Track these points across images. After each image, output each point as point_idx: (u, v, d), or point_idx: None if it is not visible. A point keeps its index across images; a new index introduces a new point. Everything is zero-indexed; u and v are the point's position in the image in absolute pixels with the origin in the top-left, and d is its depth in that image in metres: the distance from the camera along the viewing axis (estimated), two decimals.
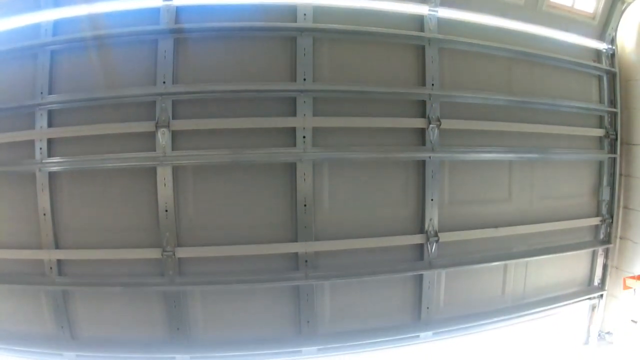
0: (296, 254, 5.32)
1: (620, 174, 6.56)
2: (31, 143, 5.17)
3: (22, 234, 5.30)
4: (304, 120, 5.14)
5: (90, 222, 5.24)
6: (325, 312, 5.55)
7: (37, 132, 5.13)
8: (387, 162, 5.44)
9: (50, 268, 5.30)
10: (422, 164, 5.47)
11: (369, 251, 5.45)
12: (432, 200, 5.48)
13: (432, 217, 5.51)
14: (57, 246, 5.24)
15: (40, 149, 5.14)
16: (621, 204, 6.60)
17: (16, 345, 5.51)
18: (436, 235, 5.50)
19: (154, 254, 5.17)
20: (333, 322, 5.56)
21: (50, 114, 5.15)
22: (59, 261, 5.31)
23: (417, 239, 5.54)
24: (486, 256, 5.82)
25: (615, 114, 6.37)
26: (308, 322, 5.47)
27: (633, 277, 6.11)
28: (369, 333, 5.57)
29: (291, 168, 5.21)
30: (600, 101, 6.40)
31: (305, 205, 5.21)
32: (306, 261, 5.32)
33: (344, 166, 5.32)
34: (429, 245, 5.54)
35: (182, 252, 5.19)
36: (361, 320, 5.59)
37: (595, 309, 6.68)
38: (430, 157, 5.42)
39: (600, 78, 6.38)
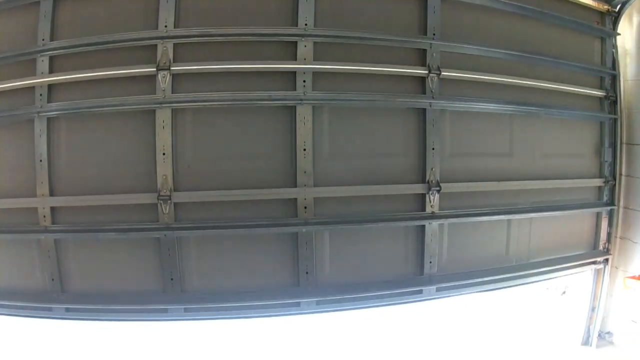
0: (295, 200, 5.20)
1: (621, 174, 6.55)
2: (31, 90, 5.13)
3: (17, 182, 5.19)
4: (305, 64, 5.12)
5: (87, 168, 5.15)
6: (325, 263, 5.38)
7: (37, 78, 5.09)
8: (388, 110, 5.39)
9: (44, 216, 5.17)
10: (422, 112, 5.42)
11: (369, 201, 5.33)
12: (433, 149, 5.40)
13: (434, 167, 5.42)
14: (52, 194, 5.13)
15: (41, 95, 5.09)
16: (621, 203, 6.56)
17: (3, 300, 5.33)
18: (438, 185, 5.41)
19: (149, 199, 5.07)
20: (333, 273, 5.39)
21: (52, 60, 5.12)
22: (53, 209, 5.17)
23: (419, 188, 5.43)
24: (489, 210, 5.71)
25: (614, 76, 6.40)
26: (307, 273, 5.30)
27: (633, 277, 6.04)
28: (371, 286, 5.39)
29: (291, 112, 5.16)
30: (602, 64, 6.43)
31: (304, 150, 5.13)
32: (305, 208, 5.20)
33: (344, 112, 5.27)
34: (430, 196, 5.43)
35: (179, 197, 5.08)
36: (362, 273, 5.41)
37: (601, 276, 6.53)
38: (430, 105, 5.38)
39: (603, 40, 6.43)
